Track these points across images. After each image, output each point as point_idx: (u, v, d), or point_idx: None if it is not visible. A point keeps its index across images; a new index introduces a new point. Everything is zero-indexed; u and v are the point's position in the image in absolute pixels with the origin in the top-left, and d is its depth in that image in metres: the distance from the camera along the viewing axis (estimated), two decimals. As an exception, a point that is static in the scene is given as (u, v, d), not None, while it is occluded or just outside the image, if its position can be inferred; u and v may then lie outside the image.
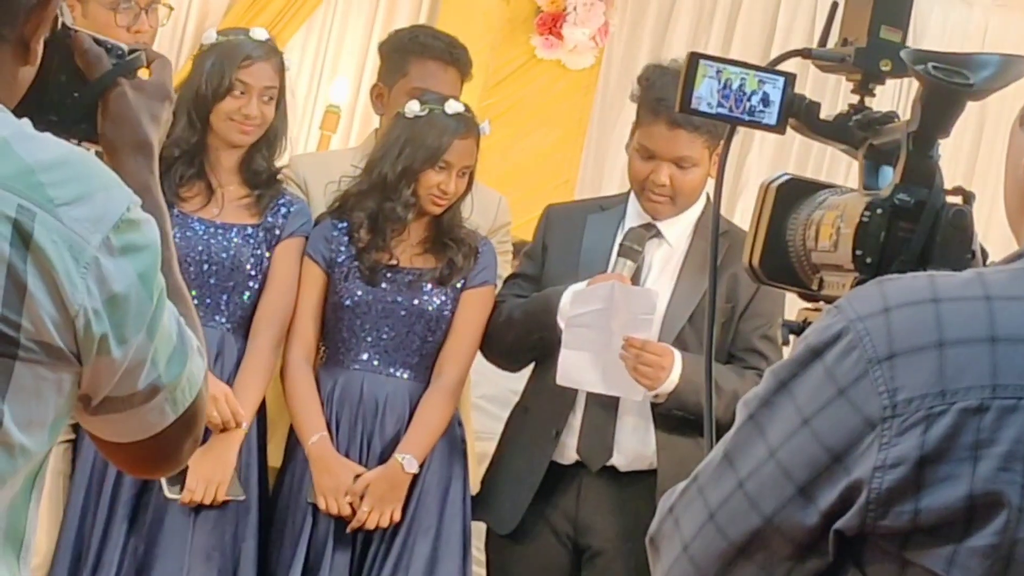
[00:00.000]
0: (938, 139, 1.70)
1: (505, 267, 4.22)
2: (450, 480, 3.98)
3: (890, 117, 1.83)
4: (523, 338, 3.96)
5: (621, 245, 3.88)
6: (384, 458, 3.90)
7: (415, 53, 4.20)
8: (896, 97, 5.86)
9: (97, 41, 1.80)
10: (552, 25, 7.13)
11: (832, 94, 6.31)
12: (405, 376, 3.97)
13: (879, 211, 1.67)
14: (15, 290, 1.52)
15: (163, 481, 3.77)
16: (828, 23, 1.92)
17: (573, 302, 3.81)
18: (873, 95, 1.86)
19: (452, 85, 4.19)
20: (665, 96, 3.80)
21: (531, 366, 4.08)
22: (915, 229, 1.66)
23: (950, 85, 1.65)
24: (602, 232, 3.97)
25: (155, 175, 1.79)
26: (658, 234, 3.93)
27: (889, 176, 1.77)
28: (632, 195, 3.98)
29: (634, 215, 3.97)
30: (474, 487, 4.07)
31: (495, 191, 4.32)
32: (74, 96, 1.79)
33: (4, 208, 1.52)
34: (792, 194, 1.86)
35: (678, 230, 3.95)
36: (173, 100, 1.83)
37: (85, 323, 1.55)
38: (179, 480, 3.79)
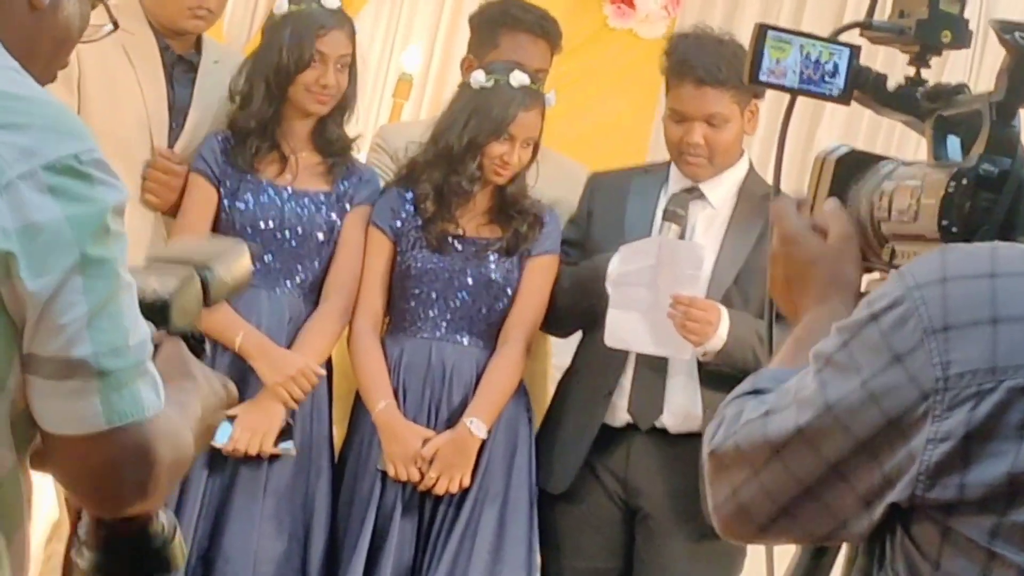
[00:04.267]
0: (1020, 109, 1.70)
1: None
2: (516, 446, 3.99)
3: (960, 89, 1.82)
4: (572, 305, 3.98)
5: (665, 210, 3.89)
6: (451, 425, 3.92)
7: (506, 26, 4.22)
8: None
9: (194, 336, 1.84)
10: (624, -6, 7.08)
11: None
12: (472, 344, 3.99)
13: (964, 181, 1.66)
14: None
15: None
16: None
17: (621, 260, 3.81)
18: (929, 67, 1.86)
19: (542, 57, 4.21)
20: (688, 58, 3.83)
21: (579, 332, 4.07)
22: (998, 199, 1.65)
23: None
24: (645, 197, 3.98)
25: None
26: (701, 196, 3.94)
27: (956, 147, 1.76)
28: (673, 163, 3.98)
29: (676, 180, 3.98)
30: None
31: (584, 167, 4.32)
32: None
33: None
34: (853, 165, 1.85)
35: (721, 192, 3.95)
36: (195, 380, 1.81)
37: None
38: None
